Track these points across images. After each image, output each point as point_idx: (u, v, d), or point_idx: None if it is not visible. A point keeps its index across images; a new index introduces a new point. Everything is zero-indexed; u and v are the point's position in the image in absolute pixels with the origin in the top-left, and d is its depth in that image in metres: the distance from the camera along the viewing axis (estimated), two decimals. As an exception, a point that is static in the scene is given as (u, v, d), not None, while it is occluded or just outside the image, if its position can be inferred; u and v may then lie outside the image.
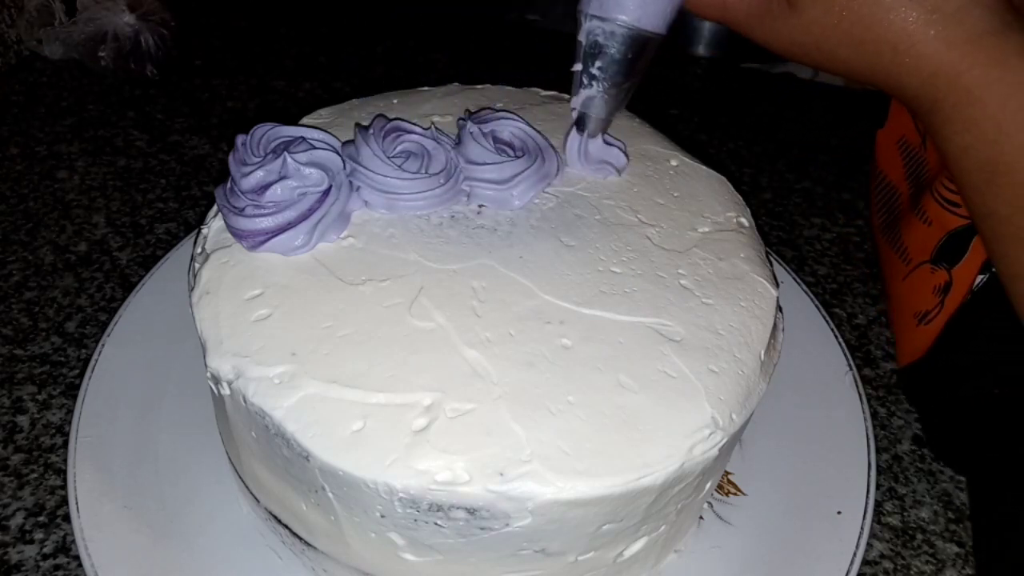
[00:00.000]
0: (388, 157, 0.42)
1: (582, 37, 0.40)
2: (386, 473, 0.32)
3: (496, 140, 0.44)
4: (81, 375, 0.50)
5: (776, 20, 0.37)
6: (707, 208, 0.46)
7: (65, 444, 0.48)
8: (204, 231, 0.42)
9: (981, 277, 0.49)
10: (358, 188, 0.42)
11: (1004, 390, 0.47)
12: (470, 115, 0.46)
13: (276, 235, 0.39)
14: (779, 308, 0.42)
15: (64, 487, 0.47)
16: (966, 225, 0.50)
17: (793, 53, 0.38)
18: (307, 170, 0.40)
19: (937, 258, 0.53)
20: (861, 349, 0.60)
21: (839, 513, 0.45)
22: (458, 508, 0.33)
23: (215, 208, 0.42)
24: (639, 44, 0.40)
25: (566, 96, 0.53)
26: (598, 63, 0.40)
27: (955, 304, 0.51)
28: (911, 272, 0.56)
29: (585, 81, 0.42)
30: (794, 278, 0.58)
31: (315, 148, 0.41)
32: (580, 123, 0.44)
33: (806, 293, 0.58)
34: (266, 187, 0.39)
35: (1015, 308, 0.37)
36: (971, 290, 0.49)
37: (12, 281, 0.61)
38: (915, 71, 0.35)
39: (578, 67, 0.42)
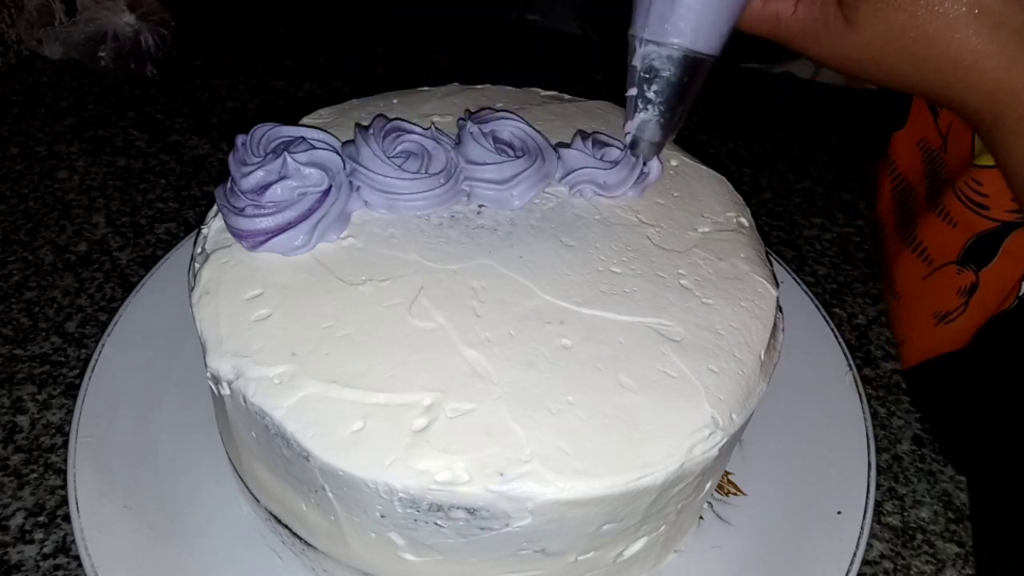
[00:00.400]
0: (388, 157, 0.42)
1: (636, 62, 0.40)
2: (386, 473, 0.32)
3: (496, 140, 0.44)
4: (81, 375, 0.50)
5: (833, 36, 0.37)
6: (707, 208, 0.46)
7: (65, 444, 0.48)
8: (204, 231, 0.42)
9: None
10: (358, 188, 0.42)
11: None
12: (470, 115, 0.46)
13: (276, 235, 0.39)
14: (779, 308, 0.42)
15: (64, 487, 0.47)
16: (995, 228, 0.51)
17: (849, 68, 0.38)
18: (307, 170, 0.40)
19: (964, 259, 0.53)
20: (861, 349, 0.60)
21: (839, 513, 0.45)
22: (458, 508, 0.33)
23: (215, 208, 0.42)
24: (693, 67, 0.40)
25: (566, 96, 0.53)
26: (654, 87, 0.40)
27: (983, 305, 0.51)
28: (933, 272, 0.56)
29: (640, 105, 0.42)
30: (794, 278, 0.58)
31: (315, 148, 0.41)
32: (634, 147, 0.44)
33: (806, 293, 0.58)
34: (266, 187, 0.39)
35: None
36: (1019, 296, 0.49)
37: (12, 281, 0.61)
38: (978, 87, 0.35)
39: (633, 91, 0.41)
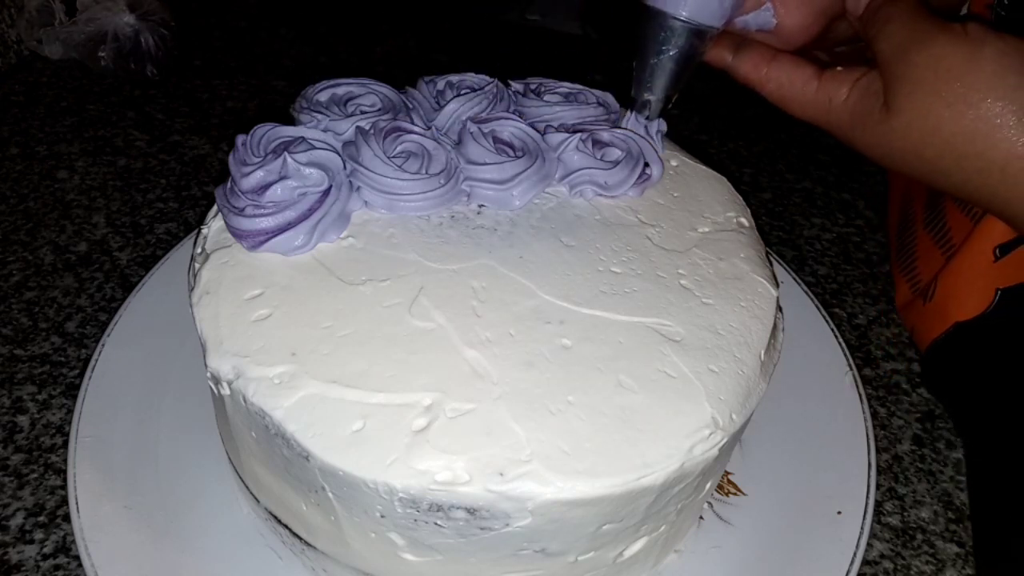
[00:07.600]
0: (388, 157, 0.42)
1: (643, 31, 0.42)
2: (386, 473, 0.32)
3: (496, 140, 0.44)
4: (81, 375, 0.50)
5: (877, 124, 0.36)
6: (707, 208, 0.46)
7: (65, 444, 0.48)
8: (204, 231, 0.42)
9: None
10: (358, 188, 0.42)
11: None
12: (470, 115, 0.46)
13: (276, 235, 0.39)
14: (779, 308, 0.42)
15: (64, 487, 0.47)
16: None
17: (894, 160, 0.37)
18: (307, 170, 0.40)
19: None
20: (861, 349, 0.60)
21: (839, 513, 0.45)
22: (458, 508, 0.33)
23: (215, 208, 0.42)
24: (696, 37, 0.41)
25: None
26: (656, 56, 0.43)
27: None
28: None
29: (645, 73, 0.44)
30: (794, 278, 0.58)
31: (315, 148, 0.41)
32: (643, 109, 0.46)
33: (806, 293, 0.58)
34: (266, 187, 0.39)
35: None
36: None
37: (12, 281, 0.61)
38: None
39: (641, 59, 0.44)
